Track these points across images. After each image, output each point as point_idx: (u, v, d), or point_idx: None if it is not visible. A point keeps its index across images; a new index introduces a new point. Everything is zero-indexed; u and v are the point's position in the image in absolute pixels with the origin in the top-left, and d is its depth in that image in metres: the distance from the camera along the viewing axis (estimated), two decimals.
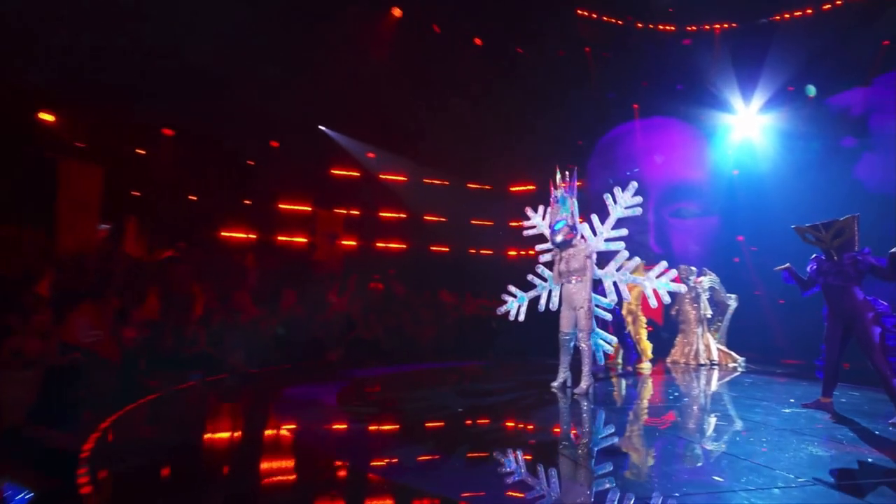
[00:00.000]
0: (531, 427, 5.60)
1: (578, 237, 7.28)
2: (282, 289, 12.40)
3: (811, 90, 12.26)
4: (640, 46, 13.05)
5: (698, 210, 13.83)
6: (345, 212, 15.48)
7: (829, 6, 11.33)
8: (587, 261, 7.01)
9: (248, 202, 13.90)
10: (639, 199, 7.62)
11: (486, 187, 16.86)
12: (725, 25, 12.82)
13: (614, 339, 8.33)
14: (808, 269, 5.91)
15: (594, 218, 7.87)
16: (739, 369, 9.87)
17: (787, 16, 12.41)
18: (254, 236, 13.69)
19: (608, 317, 8.01)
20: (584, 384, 6.92)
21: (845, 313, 5.51)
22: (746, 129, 13.73)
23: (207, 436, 5.50)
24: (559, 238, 7.14)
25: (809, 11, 12.33)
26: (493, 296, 14.90)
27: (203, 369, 8.40)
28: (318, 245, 15.13)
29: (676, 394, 7.60)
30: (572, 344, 7.17)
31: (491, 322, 13.35)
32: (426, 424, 5.64)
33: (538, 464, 4.25)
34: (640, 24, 12.80)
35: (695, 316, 10.48)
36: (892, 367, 5.23)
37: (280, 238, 14.43)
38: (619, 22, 12.85)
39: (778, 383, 8.36)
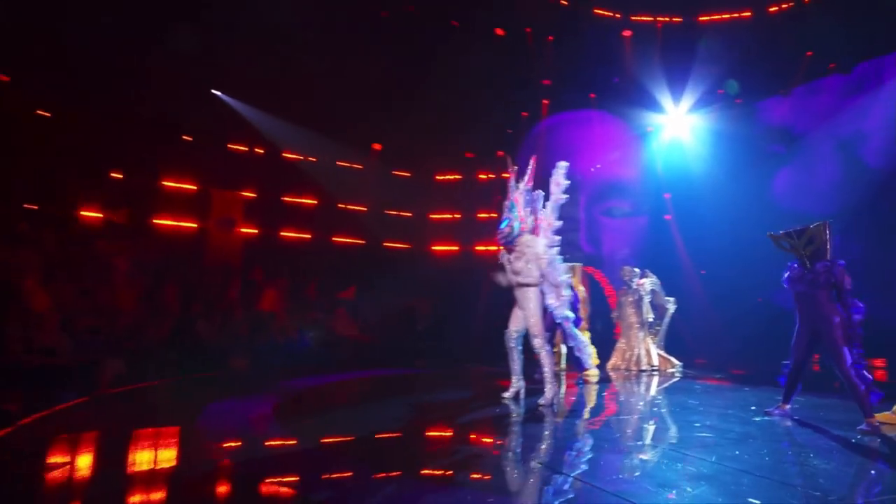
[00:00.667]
0: (497, 445, 5.01)
1: (526, 237, 6.59)
2: (164, 284, 10.47)
3: (732, 86, 11.79)
4: (584, 32, 12.05)
5: (629, 209, 13.10)
6: (245, 194, 13.52)
7: (775, 8, 10.69)
8: (532, 262, 6.38)
9: (118, 175, 11.62)
10: (566, 181, 7.18)
11: (408, 174, 15.42)
12: (668, 19, 12.01)
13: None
14: (783, 277, 5.84)
15: (543, 214, 7.08)
16: (677, 375, 9.56)
17: (725, 16, 11.77)
18: (119, 219, 11.29)
19: (570, 316, 7.07)
20: (547, 394, 6.33)
21: (814, 321, 5.50)
22: (677, 128, 13.25)
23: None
24: (501, 237, 6.58)
25: (747, 14, 11.75)
26: (417, 294, 13.88)
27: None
28: (213, 232, 13.16)
29: (641, 403, 7.17)
30: (514, 345, 6.58)
31: (416, 325, 12.08)
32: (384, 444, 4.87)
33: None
34: (587, 9, 11.72)
35: (636, 320, 10.03)
36: (860, 375, 5.25)
37: (162, 222, 12.31)
38: (565, 2, 11.75)
39: (728, 390, 8.08)
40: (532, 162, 6.96)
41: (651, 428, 5.65)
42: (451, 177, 15.57)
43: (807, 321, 5.58)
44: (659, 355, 10.12)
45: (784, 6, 10.73)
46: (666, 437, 5.24)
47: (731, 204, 12.06)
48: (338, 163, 14.53)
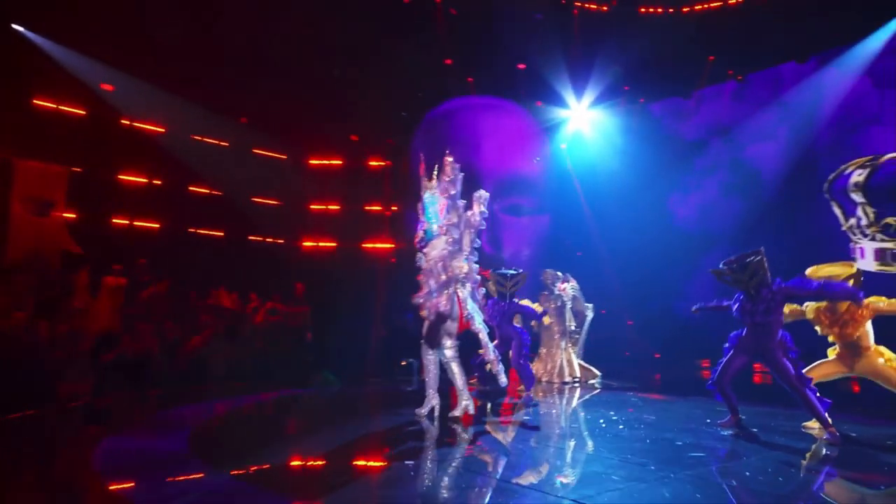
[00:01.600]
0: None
1: (436, 240, 6.19)
2: None
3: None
4: (492, 9, 10.75)
5: (532, 207, 12.14)
6: (64, 169, 10.46)
7: (687, 8, 10.20)
8: (436, 266, 6.01)
9: None
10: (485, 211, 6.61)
11: (279, 156, 13.18)
12: (581, 5, 11.11)
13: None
14: (733, 308, 5.96)
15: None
16: (597, 386, 9.08)
17: (640, 10, 11.14)
18: None
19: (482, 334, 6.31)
20: (461, 405, 6.04)
21: (758, 348, 5.71)
22: (582, 123, 12.56)
23: None
24: (417, 242, 6.20)
25: (660, 10, 11.22)
26: (288, 298, 11.79)
27: None
28: (20, 214, 10.00)
29: (602, 421, 6.40)
30: (430, 358, 6.24)
31: (303, 333, 10.06)
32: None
33: None
34: None
35: (558, 329, 9.33)
36: (805, 383, 5.50)
37: None
38: None
39: (666, 402, 7.75)
40: (446, 159, 6.53)
41: (639, 447, 5.08)
42: (333, 162, 13.58)
43: (747, 350, 5.79)
44: (580, 365, 9.49)
45: (697, 7, 10.27)
46: (671, 461, 4.61)
47: (636, 205, 11.58)
48: (193, 136, 11.94)
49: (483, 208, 6.58)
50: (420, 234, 6.16)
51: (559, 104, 12.57)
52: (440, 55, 11.66)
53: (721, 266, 5.91)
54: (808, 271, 6.34)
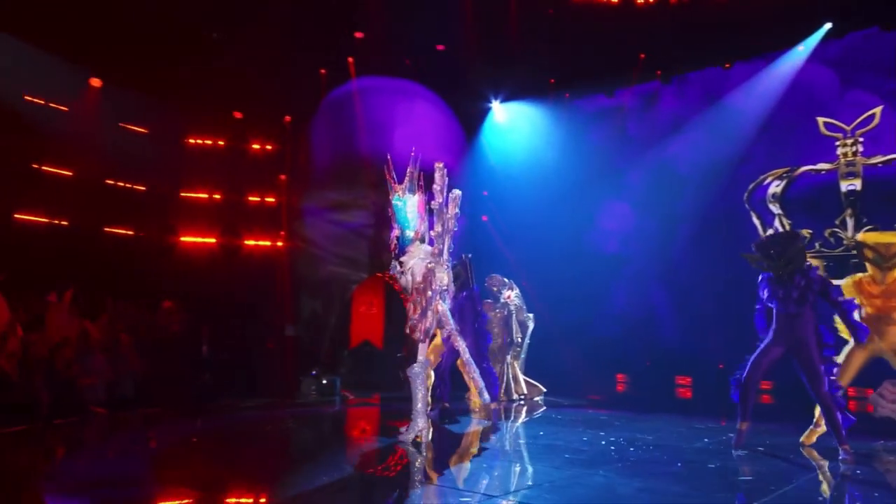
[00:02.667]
0: None
1: (411, 247, 5.84)
2: None
3: None
4: None
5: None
6: None
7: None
8: (418, 279, 5.63)
9: None
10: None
11: (141, 130, 11.02)
12: None
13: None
14: (761, 292, 5.61)
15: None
16: (542, 404, 8.51)
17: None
18: None
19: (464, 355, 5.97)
20: (415, 426, 5.43)
21: (793, 341, 5.34)
22: (504, 117, 11.83)
23: None
24: (391, 251, 5.88)
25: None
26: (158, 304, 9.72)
27: None
28: None
29: (604, 444, 5.78)
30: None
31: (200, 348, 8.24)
32: None
33: None
34: None
35: (503, 341, 8.63)
36: (836, 399, 5.20)
37: None
38: None
39: (628, 418, 7.33)
40: (413, 159, 6.06)
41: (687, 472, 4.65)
42: (211, 141, 11.56)
43: (782, 341, 5.41)
44: (525, 381, 8.86)
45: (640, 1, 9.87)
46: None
47: (559, 205, 11.04)
48: (27, 97, 9.52)
49: (457, 209, 6.10)
50: (394, 241, 5.81)
51: (481, 95, 11.70)
52: (350, 27, 10.26)
53: (753, 250, 5.64)
54: (861, 236, 6.20)
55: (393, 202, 5.87)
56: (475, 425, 6.78)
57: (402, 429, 5.69)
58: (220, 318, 9.40)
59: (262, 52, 9.94)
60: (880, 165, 9.27)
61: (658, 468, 4.82)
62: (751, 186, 10.83)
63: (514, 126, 11.95)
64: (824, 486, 4.52)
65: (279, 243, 11.54)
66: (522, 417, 7.43)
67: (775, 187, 10.47)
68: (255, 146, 11.54)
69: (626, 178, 11.29)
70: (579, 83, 11.11)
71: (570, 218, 11.22)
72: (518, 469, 4.82)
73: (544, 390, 8.85)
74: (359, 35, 10.33)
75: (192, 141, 11.49)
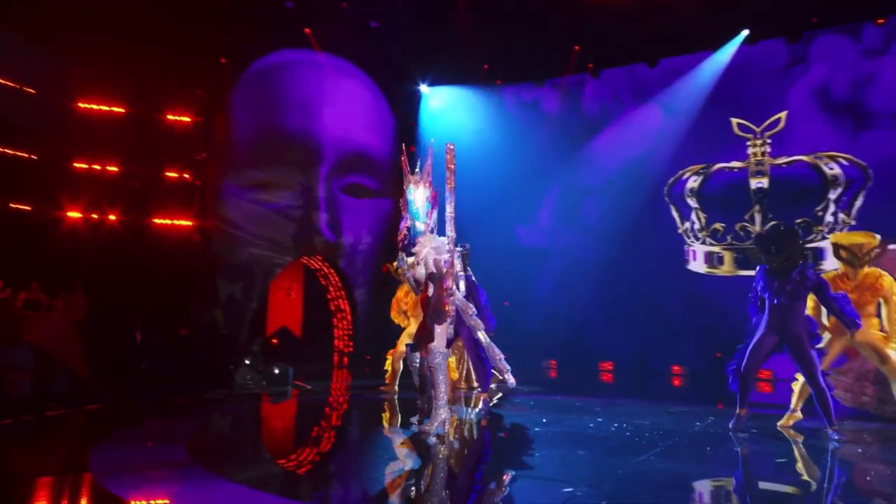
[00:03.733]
0: None
1: (424, 237, 5.63)
2: None
3: None
4: None
5: (376, 189, 10.93)
6: None
7: None
8: (421, 263, 5.55)
9: None
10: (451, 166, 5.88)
11: (28, 90, 9.88)
12: None
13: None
14: (756, 283, 5.86)
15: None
16: (499, 391, 8.32)
17: None
18: None
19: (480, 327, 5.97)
20: (438, 417, 5.39)
21: (786, 332, 5.61)
22: (437, 100, 11.85)
23: None
24: (400, 241, 5.67)
25: None
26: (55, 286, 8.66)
27: None
28: None
29: (624, 426, 5.92)
30: (417, 364, 6.03)
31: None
32: None
33: None
34: None
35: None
36: (827, 383, 5.57)
37: None
38: None
39: (603, 404, 7.34)
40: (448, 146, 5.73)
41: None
42: (108, 108, 10.52)
43: (774, 331, 5.65)
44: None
45: None
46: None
47: (490, 193, 11.12)
48: None
49: (453, 164, 5.84)
50: (404, 231, 5.57)
51: (412, 78, 11.55)
52: None
53: (753, 243, 6.12)
54: (834, 238, 6.41)
55: (406, 192, 5.65)
56: (468, 415, 6.73)
57: (413, 419, 5.72)
58: (131, 306, 8.62)
59: (172, 11, 9.16)
60: (784, 166, 10.20)
61: (694, 452, 5.04)
62: (670, 181, 11.54)
63: (446, 111, 11.87)
64: (860, 462, 4.91)
65: (193, 223, 10.76)
66: (499, 405, 7.35)
67: (693, 182, 11.23)
68: (170, 117, 10.62)
69: (555, 170, 11.55)
70: (511, 71, 11.16)
71: (501, 209, 11.32)
72: (577, 457, 4.78)
73: (500, 378, 8.89)
74: (289, 5, 9.76)
75: (83, 105, 10.34)
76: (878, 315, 5.97)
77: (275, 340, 10.46)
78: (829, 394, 5.44)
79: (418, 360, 5.92)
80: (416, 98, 11.99)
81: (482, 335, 5.78)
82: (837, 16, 9.32)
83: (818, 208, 9.58)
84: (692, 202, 10.65)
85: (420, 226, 5.50)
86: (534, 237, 11.40)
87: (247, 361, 7.69)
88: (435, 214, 5.57)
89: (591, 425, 5.98)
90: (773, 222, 5.92)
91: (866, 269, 6.00)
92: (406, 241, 5.51)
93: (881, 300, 5.89)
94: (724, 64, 9.98)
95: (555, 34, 10.57)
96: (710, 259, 10.48)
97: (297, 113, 10.32)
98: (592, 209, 11.23)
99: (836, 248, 6.15)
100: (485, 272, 10.99)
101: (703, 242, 10.51)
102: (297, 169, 10.28)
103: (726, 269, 10.13)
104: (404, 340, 7.54)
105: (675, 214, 10.72)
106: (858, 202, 9.31)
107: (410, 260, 5.54)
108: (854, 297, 5.73)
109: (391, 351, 7.88)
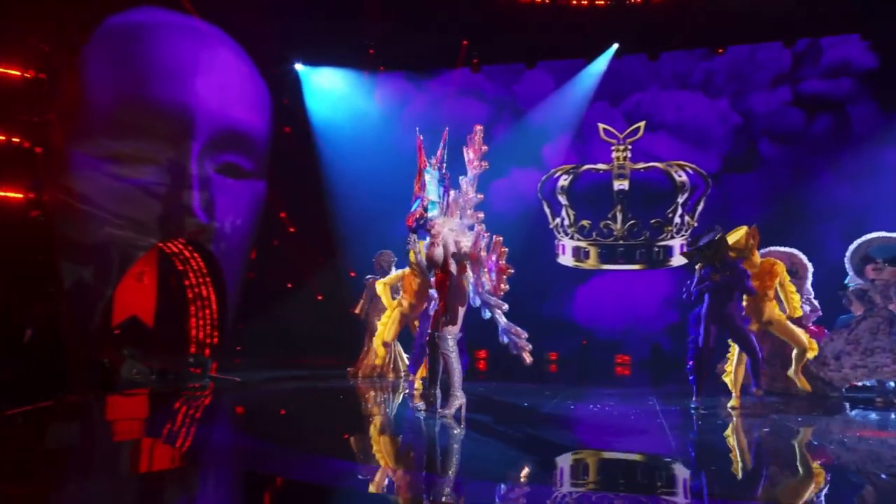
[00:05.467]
0: None
1: (440, 219, 5.88)
2: None
3: None
4: None
5: (252, 170, 10.47)
6: None
7: None
8: (440, 244, 5.73)
9: None
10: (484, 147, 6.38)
11: None
12: None
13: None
14: (702, 284, 6.65)
15: (462, 181, 6.15)
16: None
17: None
18: None
19: (504, 307, 6.05)
20: (454, 403, 5.66)
21: (721, 317, 6.50)
22: (321, 80, 11.71)
23: None
24: (410, 221, 5.79)
25: None
26: None
27: None
28: None
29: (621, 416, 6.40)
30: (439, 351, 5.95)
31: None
32: None
33: None
34: None
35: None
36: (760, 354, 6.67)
37: None
38: None
39: (560, 391, 7.87)
40: (445, 133, 6.02)
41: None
42: None
43: (715, 319, 6.53)
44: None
45: None
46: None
47: (371, 181, 11.14)
48: None
49: (481, 145, 6.33)
50: (419, 212, 5.63)
51: (291, 55, 11.23)
52: None
53: (688, 248, 6.93)
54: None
55: (425, 173, 5.72)
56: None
57: (419, 404, 5.91)
58: None
59: None
60: (642, 170, 11.47)
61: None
62: (543, 178, 12.39)
63: (328, 93, 11.62)
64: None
65: (29, 195, 9.37)
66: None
67: (563, 181, 12.14)
68: (12, 73, 9.12)
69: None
70: (398, 59, 11.22)
71: (374, 200, 11.33)
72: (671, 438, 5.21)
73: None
74: None
75: None
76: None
77: (117, 331, 9.61)
78: (759, 360, 6.53)
79: (452, 349, 5.78)
80: (293, 77, 11.58)
81: (500, 316, 5.87)
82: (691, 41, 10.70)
83: (669, 210, 10.88)
84: (562, 199, 11.55)
85: (437, 213, 5.63)
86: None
87: (125, 352, 6.99)
88: (448, 197, 5.79)
89: (595, 408, 6.67)
90: (710, 231, 6.78)
91: (760, 259, 6.97)
92: (421, 222, 5.57)
93: (777, 286, 6.90)
94: (598, 73, 10.96)
95: (443, 27, 10.84)
96: (578, 253, 11.46)
97: (167, 81, 9.48)
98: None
99: (726, 250, 6.90)
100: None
101: (572, 237, 11.47)
102: (166, 143, 9.46)
103: (591, 262, 11.15)
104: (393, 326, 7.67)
105: (546, 210, 11.56)
106: (700, 206, 10.70)
107: (423, 242, 5.68)
108: (757, 284, 6.68)
109: (381, 335, 7.84)
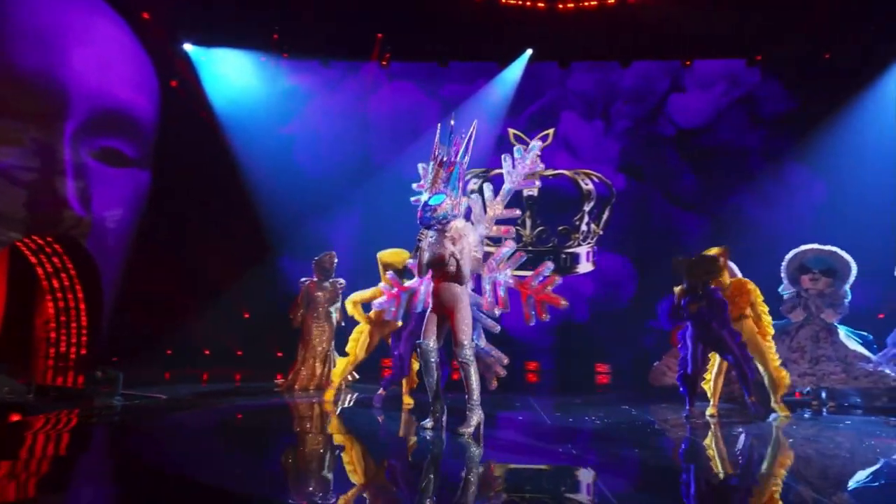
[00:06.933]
0: None
1: (460, 222, 5.66)
2: None
3: None
4: None
5: (135, 156, 9.48)
6: None
7: None
8: (458, 247, 5.52)
9: None
10: (541, 166, 6.78)
11: None
12: None
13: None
14: (681, 304, 6.64)
15: (486, 188, 6.64)
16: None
17: None
18: None
19: (496, 328, 6.23)
20: (472, 420, 5.42)
21: (708, 339, 6.57)
22: (217, 63, 10.91)
23: None
24: (432, 216, 5.42)
25: None
26: None
27: None
28: None
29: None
30: (435, 360, 5.64)
31: None
32: None
33: None
34: None
35: (330, 325, 8.33)
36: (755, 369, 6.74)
37: None
38: None
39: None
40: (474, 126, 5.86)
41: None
42: None
43: (701, 338, 6.60)
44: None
45: None
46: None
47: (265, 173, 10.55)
48: None
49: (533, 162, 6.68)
50: (441, 209, 5.33)
51: (180, 32, 10.39)
52: None
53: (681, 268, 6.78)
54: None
55: (444, 165, 5.52)
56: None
57: (425, 422, 5.52)
58: None
59: None
60: (551, 178, 11.66)
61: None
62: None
63: (225, 77, 10.77)
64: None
65: None
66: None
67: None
68: None
69: (350, 159, 11.39)
70: (305, 46, 10.61)
71: (296, 196, 10.76)
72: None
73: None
74: None
75: None
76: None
77: None
78: (750, 374, 6.56)
79: (434, 357, 5.54)
80: (184, 58, 10.59)
81: (481, 337, 5.93)
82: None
83: (576, 218, 11.11)
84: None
85: (451, 208, 5.36)
86: (333, 227, 11.06)
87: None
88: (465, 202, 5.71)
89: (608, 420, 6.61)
90: (699, 255, 6.81)
91: (729, 279, 7.04)
92: (438, 219, 5.29)
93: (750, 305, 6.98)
94: (512, 78, 11.00)
95: (354, 16, 10.40)
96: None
97: (34, 49, 8.28)
98: (370, 201, 11.31)
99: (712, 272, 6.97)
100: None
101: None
102: (32, 121, 8.28)
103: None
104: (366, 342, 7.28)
105: None
106: (606, 215, 11.01)
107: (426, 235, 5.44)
108: (730, 307, 6.74)
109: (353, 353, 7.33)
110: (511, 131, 11.70)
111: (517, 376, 10.83)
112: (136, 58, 9.69)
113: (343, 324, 8.21)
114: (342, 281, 8.26)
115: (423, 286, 6.08)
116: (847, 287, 8.01)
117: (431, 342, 5.50)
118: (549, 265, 6.06)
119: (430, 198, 5.42)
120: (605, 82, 11.71)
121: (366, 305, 7.43)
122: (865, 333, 8.20)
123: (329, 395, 7.34)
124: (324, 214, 11.22)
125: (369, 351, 7.41)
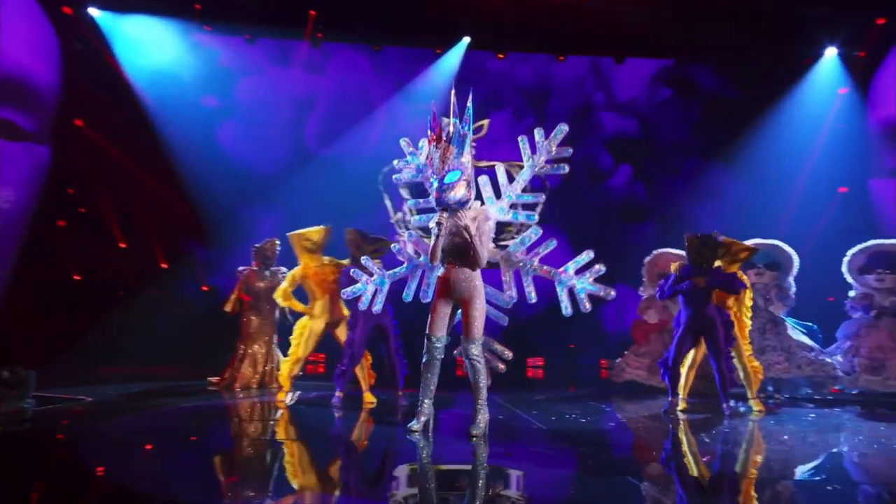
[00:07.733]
0: None
1: (478, 205, 5.51)
2: None
3: None
4: None
5: (32, 129, 8.63)
6: None
7: None
8: (478, 231, 5.16)
9: None
10: (569, 150, 6.09)
11: None
12: None
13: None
14: (683, 285, 6.59)
15: (500, 170, 6.24)
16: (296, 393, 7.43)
17: None
18: None
19: (503, 320, 6.09)
20: (480, 420, 5.13)
21: (701, 325, 6.54)
22: (131, 28, 10.01)
23: None
24: (451, 196, 5.04)
25: None
26: None
27: None
28: None
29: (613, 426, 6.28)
30: (440, 357, 5.27)
31: None
32: None
33: None
34: None
35: (272, 318, 7.94)
36: (729, 367, 6.70)
37: None
38: None
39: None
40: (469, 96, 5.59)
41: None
42: None
43: (693, 326, 6.60)
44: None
45: None
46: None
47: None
48: None
49: (556, 147, 6.26)
50: (460, 191, 4.99)
51: None
52: None
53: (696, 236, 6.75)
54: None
55: (452, 140, 5.15)
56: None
57: (412, 424, 5.04)
58: None
59: None
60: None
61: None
62: (385, 170, 11.83)
63: (141, 45, 9.89)
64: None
65: None
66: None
67: (406, 174, 11.79)
68: None
69: (278, 143, 10.82)
70: (231, 17, 9.92)
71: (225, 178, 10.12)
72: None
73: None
74: None
75: None
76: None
77: None
78: (729, 377, 6.61)
79: (439, 354, 5.17)
80: (89, 23, 9.59)
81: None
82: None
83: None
84: (405, 193, 11.17)
85: (464, 185, 4.99)
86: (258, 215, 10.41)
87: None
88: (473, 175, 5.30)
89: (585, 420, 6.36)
90: (703, 234, 6.66)
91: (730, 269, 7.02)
92: (455, 199, 4.92)
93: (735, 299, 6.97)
94: (449, 65, 10.76)
95: None
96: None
97: None
98: (309, 188, 10.82)
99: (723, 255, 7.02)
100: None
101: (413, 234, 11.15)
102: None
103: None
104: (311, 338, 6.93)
105: (387, 203, 11.07)
106: (539, 208, 10.97)
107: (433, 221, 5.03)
108: (716, 296, 6.76)
109: (295, 353, 6.91)
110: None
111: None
112: (33, 19, 8.68)
113: (291, 319, 7.61)
114: (284, 269, 7.64)
115: (417, 273, 5.97)
116: (791, 279, 8.27)
117: (442, 336, 5.14)
118: (590, 252, 5.72)
119: (444, 175, 5.06)
120: (540, 74, 11.71)
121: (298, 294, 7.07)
122: (811, 324, 8.44)
123: (281, 396, 6.82)
124: (252, 201, 10.66)
125: (315, 344, 6.99)
